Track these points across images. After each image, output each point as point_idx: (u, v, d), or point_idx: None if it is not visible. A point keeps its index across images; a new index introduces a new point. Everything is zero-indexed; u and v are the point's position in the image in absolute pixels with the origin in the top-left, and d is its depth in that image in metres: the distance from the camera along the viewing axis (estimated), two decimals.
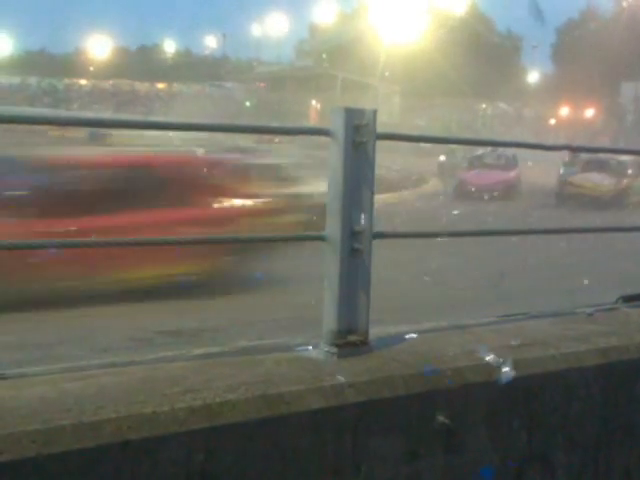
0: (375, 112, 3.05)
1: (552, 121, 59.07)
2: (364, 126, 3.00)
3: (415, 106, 59.34)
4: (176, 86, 70.94)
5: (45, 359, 3.92)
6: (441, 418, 2.89)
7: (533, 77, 70.51)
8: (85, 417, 2.28)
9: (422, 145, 31.28)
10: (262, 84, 70.19)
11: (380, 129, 3.09)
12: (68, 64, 68.71)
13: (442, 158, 32.31)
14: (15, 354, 5.29)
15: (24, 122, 3.84)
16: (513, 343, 3.35)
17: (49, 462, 2.17)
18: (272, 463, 2.57)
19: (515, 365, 3.12)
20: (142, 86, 70.26)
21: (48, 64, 68.10)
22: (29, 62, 66.64)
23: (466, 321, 3.80)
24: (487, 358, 3.13)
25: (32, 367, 2.77)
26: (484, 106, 63.19)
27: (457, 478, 3.00)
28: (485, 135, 46.04)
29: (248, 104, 64.06)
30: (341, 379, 2.76)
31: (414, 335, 3.39)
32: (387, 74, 55.58)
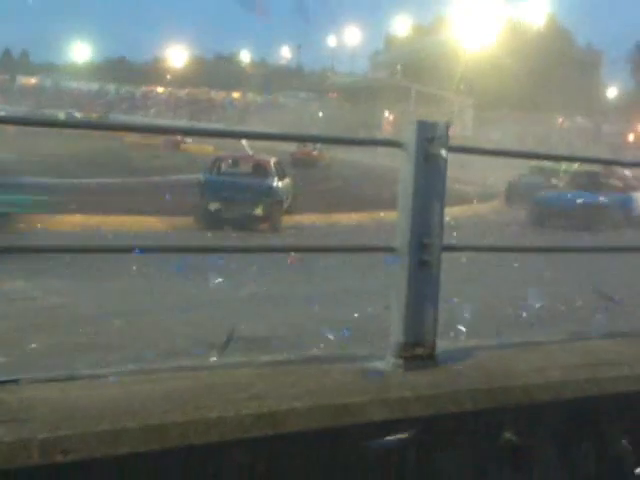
0: (447, 125, 3.03)
1: (631, 137, 57.86)
2: (436, 139, 2.98)
3: (490, 119, 58.72)
4: (250, 95, 71.57)
5: (116, 361, 3.98)
6: (508, 435, 2.84)
7: (612, 92, 69.23)
8: (152, 420, 2.30)
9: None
10: (335, 94, 70.34)
11: (453, 142, 3.07)
12: (146, 72, 69.92)
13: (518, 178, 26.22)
14: (88, 355, 5.38)
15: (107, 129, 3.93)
16: (584, 362, 3.28)
17: (115, 463, 2.20)
18: (334, 473, 2.56)
19: (585, 384, 3.05)
20: (217, 95, 71.04)
21: (127, 72, 69.41)
22: (108, 69, 67.97)
23: (536, 338, 3.73)
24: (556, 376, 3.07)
25: (103, 369, 2.82)
26: (560, 120, 62.24)
27: None
28: (562, 150, 44.42)
29: (321, 114, 64.30)
30: (407, 392, 2.74)
31: (482, 350, 3.35)
32: (462, 87, 55.22)
